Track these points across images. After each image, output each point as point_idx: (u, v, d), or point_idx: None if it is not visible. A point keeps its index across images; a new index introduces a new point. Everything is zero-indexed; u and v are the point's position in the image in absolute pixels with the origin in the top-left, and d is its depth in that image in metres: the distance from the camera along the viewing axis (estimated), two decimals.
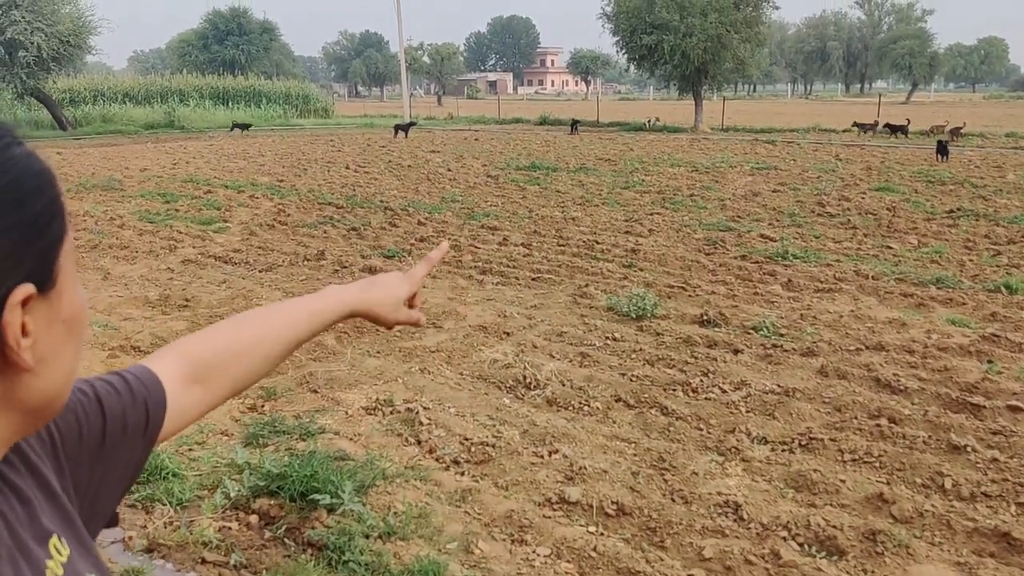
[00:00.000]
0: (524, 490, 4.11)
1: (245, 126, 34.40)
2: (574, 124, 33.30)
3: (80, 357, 0.78)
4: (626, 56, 35.62)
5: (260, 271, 8.92)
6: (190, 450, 4.60)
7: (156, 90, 45.68)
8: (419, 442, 4.64)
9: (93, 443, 0.87)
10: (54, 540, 0.75)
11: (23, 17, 30.66)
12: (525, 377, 5.55)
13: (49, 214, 0.69)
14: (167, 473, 4.19)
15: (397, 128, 31.19)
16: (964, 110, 51.47)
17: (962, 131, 26.83)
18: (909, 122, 28.79)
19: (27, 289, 0.65)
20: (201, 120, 39.08)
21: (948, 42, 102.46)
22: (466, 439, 4.63)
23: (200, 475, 4.29)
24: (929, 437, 4.55)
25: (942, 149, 20.10)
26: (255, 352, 1.09)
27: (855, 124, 30.99)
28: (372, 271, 8.79)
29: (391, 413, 5.06)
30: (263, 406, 5.23)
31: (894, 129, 28.50)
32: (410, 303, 1.27)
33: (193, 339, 1.07)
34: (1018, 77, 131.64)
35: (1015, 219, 11.53)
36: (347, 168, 19.49)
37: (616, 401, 5.26)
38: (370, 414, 5.08)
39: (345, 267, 8.98)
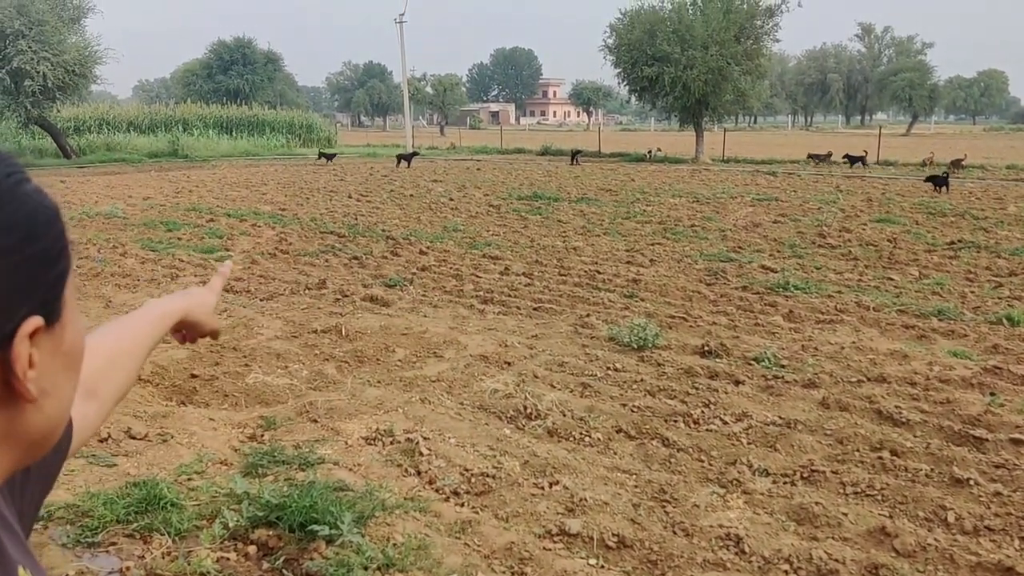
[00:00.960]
0: (524, 522, 4.09)
1: (331, 156, 34.61)
2: (575, 155, 33.45)
3: (77, 389, 0.78)
4: (627, 88, 35.88)
5: (261, 300, 8.92)
6: (189, 480, 4.57)
7: (160, 119, 45.97)
8: (419, 473, 4.62)
9: (23, 471, 0.88)
10: (20, 571, 0.75)
11: (29, 47, 30.91)
12: (526, 407, 5.53)
13: (58, 248, 0.70)
14: (165, 503, 4.16)
15: (400, 158, 31.30)
16: (965, 142, 51.68)
17: (963, 163, 27.04)
18: (867, 153, 29.79)
19: (36, 321, 0.67)
20: (205, 149, 39.30)
21: (948, 74, 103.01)
22: (466, 470, 4.61)
23: (199, 505, 4.26)
24: (932, 470, 4.53)
25: (937, 182, 20.34)
26: (126, 362, 1.16)
27: (809, 155, 32.04)
28: (374, 300, 8.80)
29: (391, 443, 5.04)
30: (262, 436, 5.21)
31: (853, 160, 29.41)
32: None
33: None
34: (1018, 109, 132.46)
35: (1016, 251, 11.55)
36: (349, 197, 19.56)
37: (617, 432, 5.24)
38: (370, 444, 5.06)
39: (346, 296, 8.98)
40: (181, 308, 1.28)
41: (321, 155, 34.95)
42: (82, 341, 0.77)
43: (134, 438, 5.07)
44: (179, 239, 13.06)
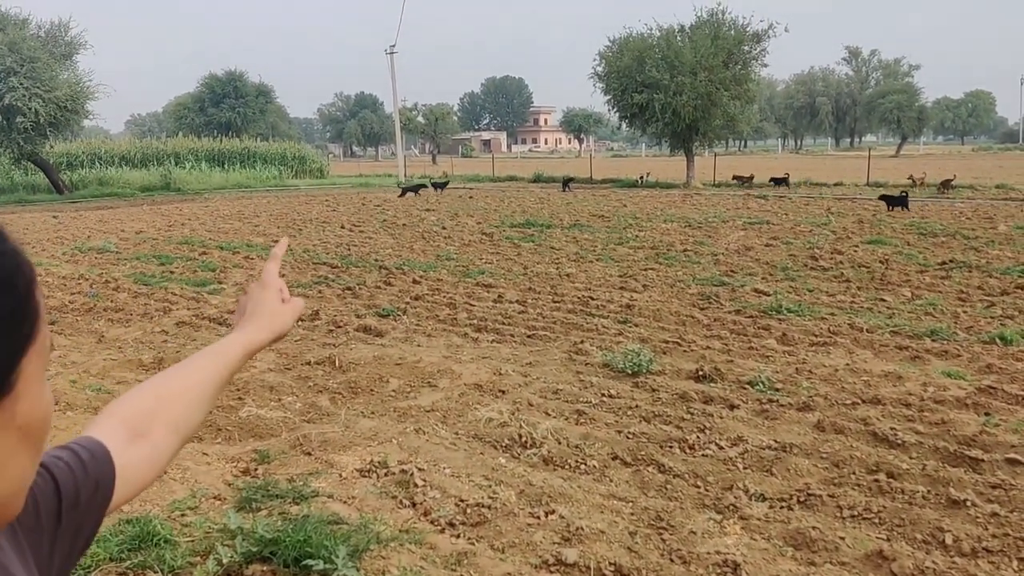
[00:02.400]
0: (521, 552, 4.06)
1: (442, 184, 33.32)
2: (566, 182, 33.58)
3: (38, 462, 0.75)
4: (618, 114, 36.11)
5: None
6: (182, 515, 4.54)
7: (152, 153, 46.17)
8: (414, 504, 4.59)
9: (50, 523, 0.86)
10: None
11: (21, 83, 31.05)
12: (521, 436, 5.51)
13: (15, 316, 0.66)
14: (159, 539, 4.13)
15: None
16: (954, 162, 52.09)
17: (952, 183, 27.29)
18: (788, 175, 31.72)
19: None
20: (197, 182, 39.42)
21: (936, 96, 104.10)
22: (461, 500, 4.58)
23: (192, 541, 4.22)
24: (928, 492, 4.51)
25: (892, 202, 20.82)
26: (187, 396, 1.10)
27: (734, 177, 33.26)
28: (367, 330, 8.78)
29: (386, 475, 5.01)
30: (256, 470, 5.18)
31: (778, 182, 30.99)
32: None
33: (124, 399, 1.08)
34: (1006, 129, 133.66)
35: (1007, 270, 11.59)
36: (342, 228, 19.59)
37: (613, 459, 5.22)
38: (364, 476, 5.03)
39: (340, 326, 8.97)
40: (261, 342, 1.22)
41: (433, 184, 33.04)
42: (45, 413, 0.72)
43: None
44: (172, 273, 13.05)
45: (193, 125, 70.27)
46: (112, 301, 10.63)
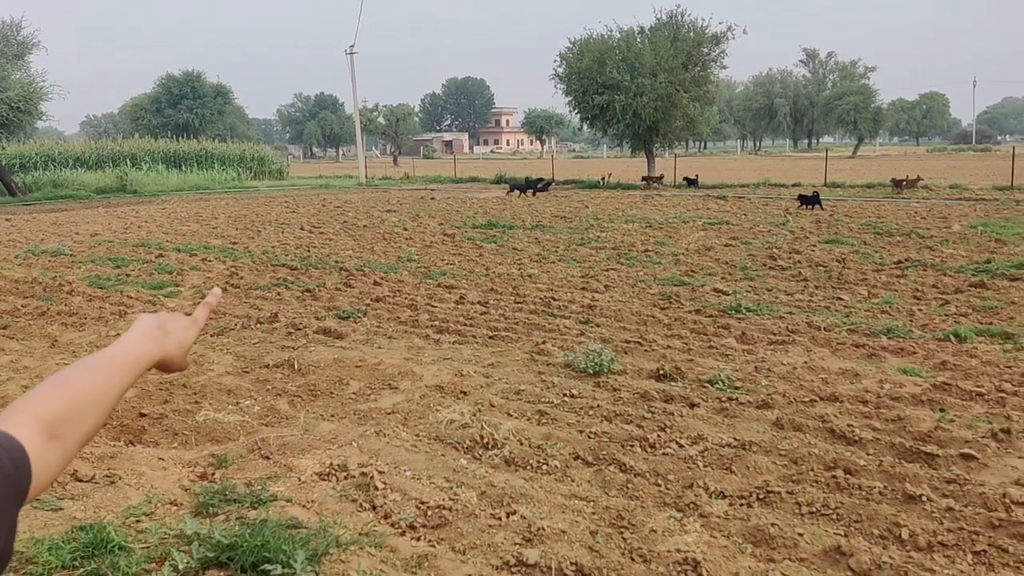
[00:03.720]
0: (482, 553, 4.04)
1: (543, 183, 30.85)
2: (531, 185, 30.99)
3: None
4: (579, 116, 36.23)
5: (212, 335, 8.78)
6: (137, 522, 4.45)
7: (108, 154, 45.44)
8: (374, 507, 4.55)
9: None
10: None
11: None
12: (482, 437, 5.49)
13: None
14: (113, 546, 4.04)
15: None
16: (909, 162, 53.01)
17: (918, 182, 27.93)
18: (698, 176, 33.46)
19: None
20: (154, 184, 38.89)
21: (891, 98, 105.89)
22: (422, 503, 4.54)
23: (147, 547, 4.14)
24: (885, 487, 4.57)
25: (806, 201, 22.16)
26: (99, 404, 1.10)
27: (643, 178, 34.39)
28: (327, 332, 8.70)
29: (345, 478, 4.96)
30: (213, 474, 5.10)
31: (690, 182, 32.82)
32: None
33: (38, 398, 1.06)
34: (959, 130, 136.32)
35: (961, 268, 11.80)
36: (302, 229, 19.42)
37: (575, 459, 5.22)
38: (324, 480, 4.97)
39: (299, 329, 8.88)
40: (154, 356, 1.22)
41: (514, 187, 30.95)
42: None
43: (80, 480, 4.93)
44: (127, 275, 12.84)
45: (150, 126, 69.39)
46: (66, 305, 10.43)
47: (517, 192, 30.06)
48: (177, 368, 1.29)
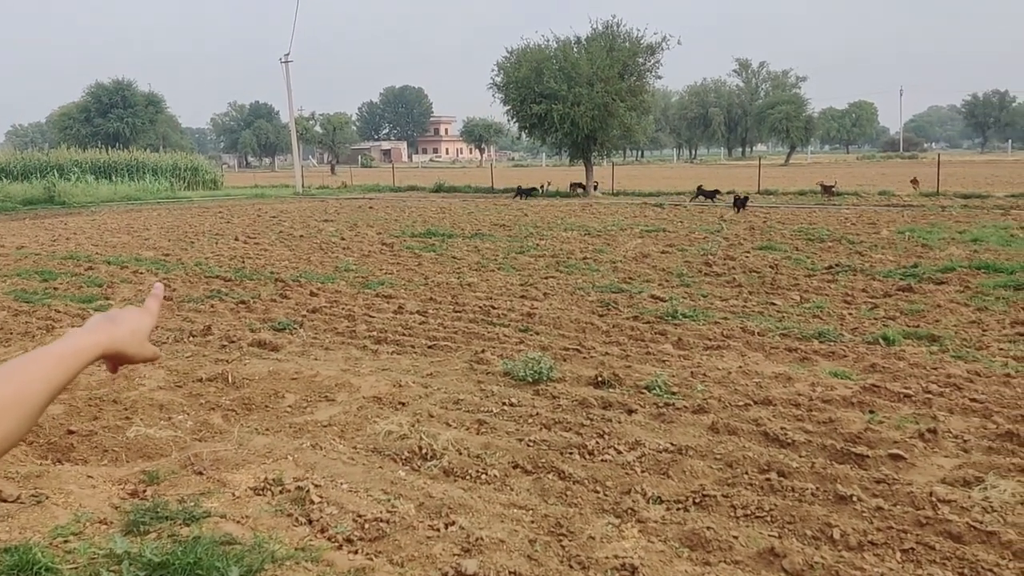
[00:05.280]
0: (420, 565, 4.00)
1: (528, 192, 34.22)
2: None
3: None
4: (517, 124, 36.32)
5: None
6: (65, 542, 4.31)
7: (34, 165, 44.19)
8: (310, 521, 4.48)
9: None
10: None
11: None
12: (421, 448, 5.45)
13: None
14: (39, 568, 3.91)
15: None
16: (840, 170, 54.33)
17: (834, 189, 28.70)
18: (594, 183, 35.11)
19: None
20: (83, 195, 37.89)
21: (822, 107, 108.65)
22: (360, 515, 4.49)
23: (76, 568, 4.01)
24: (817, 489, 4.66)
25: (737, 203, 24.24)
26: (15, 411, 1.01)
27: (572, 184, 36.44)
28: (262, 345, 8.57)
29: (281, 492, 4.88)
30: (145, 491, 4.97)
31: (574, 186, 35.58)
32: None
33: None
34: (887, 138, 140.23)
35: (890, 273, 12.12)
36: (236, 240, 19.12)
37: (514, 468, 5.22)
38: (258, 495, 4.88)
39: (233, 341, 8.72)
40: (100, 343, 1.14)
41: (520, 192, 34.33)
42: None
43: (5, 501, 4.76)
44: (55, 289, 12.48)
45: (79, 136, 67.70)
46: None
47: (520, 197, 33.48)
48: (140, 357, 1.21)
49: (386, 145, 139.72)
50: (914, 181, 31.09)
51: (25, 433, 1.04)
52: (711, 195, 27.69)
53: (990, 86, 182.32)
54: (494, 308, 10.26)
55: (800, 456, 5.21)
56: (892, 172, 50.32)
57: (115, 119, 73.30)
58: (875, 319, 9.30)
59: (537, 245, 16.75)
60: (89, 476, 5.23)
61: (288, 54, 45.35)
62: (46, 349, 1.10)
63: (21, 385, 1.03)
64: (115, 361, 1.19)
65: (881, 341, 8.18)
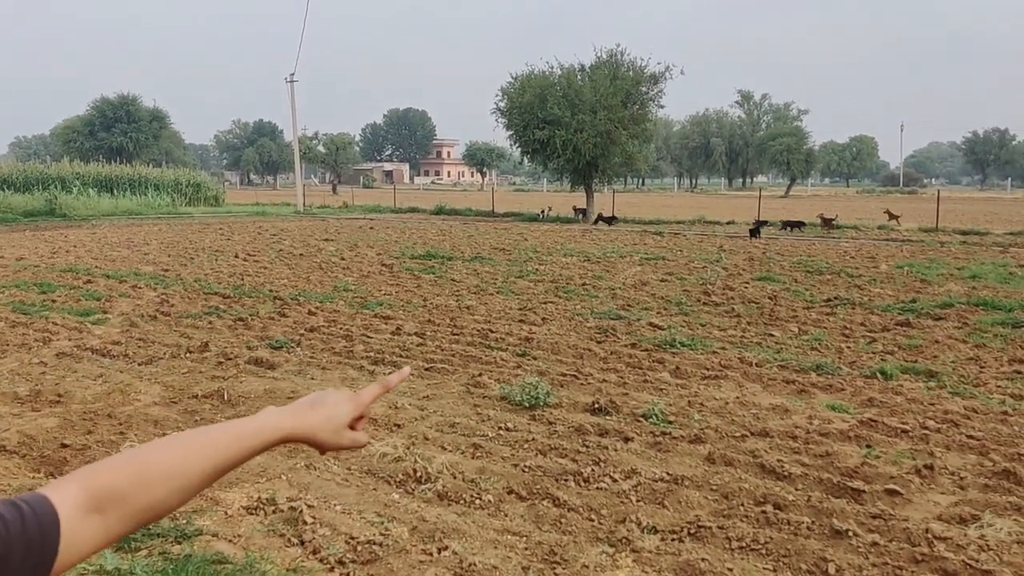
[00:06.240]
0: None
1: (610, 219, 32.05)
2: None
3: None
4: (520, 149, 36.48)
5: (140, 364, 8.55)
6: None
7: (37, 177, 44.24)
8: (302, 542, 4.45)
9: None
10: None
11: None
12: (415, 471, 5.43)
13: None
14: None
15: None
16: (839, 203, 54.51)
17: (834, 222, 28.76)
18: (600, 213, 33.80)
19: None
20: (85, 208, 37.88)
21: (823, 140, 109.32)
22: (352, 538, 4.46)
23: None
24: (813, 523, 4.63)
25: (754, 232, 25.09)
26: (166, 483, 0.99)
27: (574, 208, 36.67)
28: (259, 363, 8.55)
29: (274, 512, 4.85)
30: None
31: (578, 211, 35.74)
32: (353, 424, 1.20)
33: (100, 465, 0.98)
34: (887, 173, 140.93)
35: (888, 307, 12.13)
36: (236, 257, 19.12)
37: (508, 493, 5.19)
38: (251, 514, 4.85)
39: (230, 359, 8.70)
40: (284, 428, 1.11)
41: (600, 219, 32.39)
42: None
43: None
44: (53, 301, 12.46)
45: (82, 149, 67.90)
46: None
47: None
48: (334, 445, 1.17)
49: (388, 166, 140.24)
50: (888, 212, 31.54)
51: (177, 506, 1.02)
52: (757, 229, 26.13)
53: (991, 124, 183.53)
54: (492, 332, 10.25)
55: (796, 489, 5.18)
56: (891, 206, 50.47)
57: (119, 133, 73.54)
58: (873, 353, 9.29)
59: (536, 270, 16.77)
60: None
61: (293, 74, 45.58)
62: (229, 424, 1.09)
63: (182, 457, 1.02)
64: (307, 444, 1.16)
65: (879, 375, 8.17)
